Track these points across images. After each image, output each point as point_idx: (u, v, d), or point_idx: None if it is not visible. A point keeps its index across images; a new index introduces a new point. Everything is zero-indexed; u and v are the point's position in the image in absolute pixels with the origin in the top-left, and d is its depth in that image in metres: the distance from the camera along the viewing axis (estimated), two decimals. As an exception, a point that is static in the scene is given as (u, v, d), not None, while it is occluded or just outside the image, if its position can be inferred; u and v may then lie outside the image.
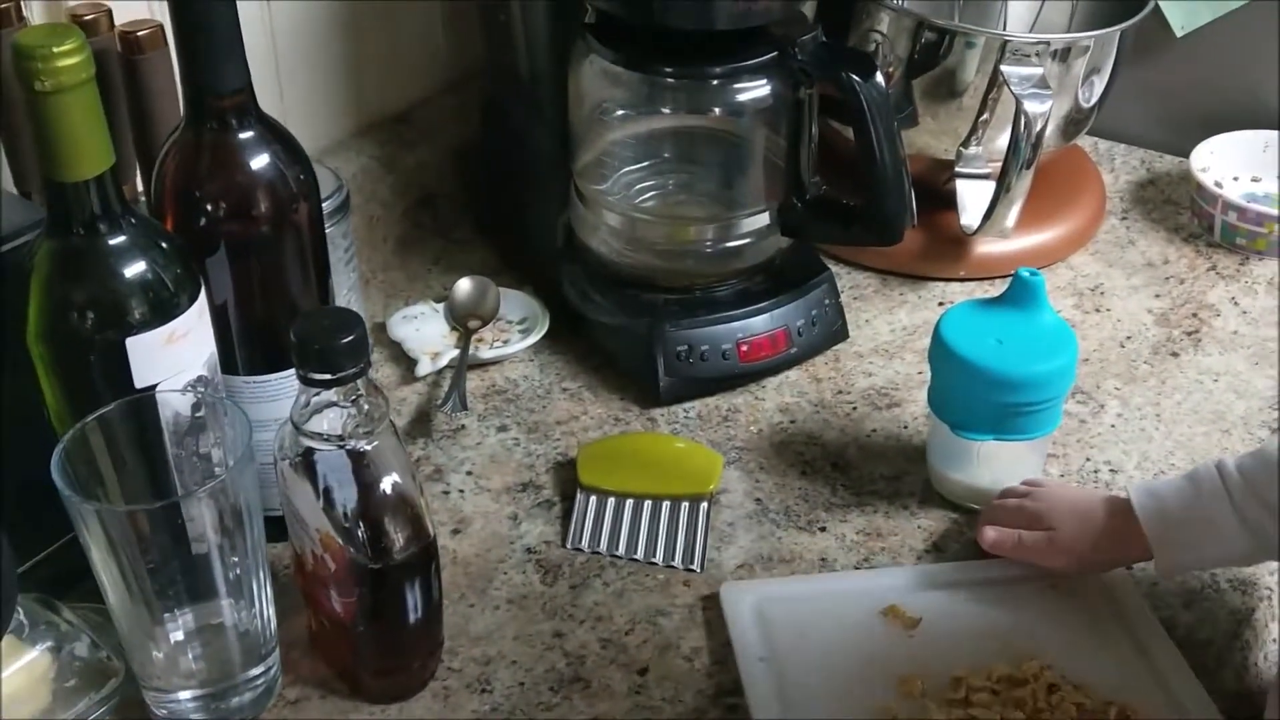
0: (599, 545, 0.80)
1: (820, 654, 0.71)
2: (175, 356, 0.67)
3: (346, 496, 0.66)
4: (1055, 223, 1.05)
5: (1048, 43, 0.96)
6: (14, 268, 0.65)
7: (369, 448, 0.65)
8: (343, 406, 0.64)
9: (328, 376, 0.63)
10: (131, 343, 0.65)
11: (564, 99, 0.92)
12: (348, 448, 0.65)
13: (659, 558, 0.79)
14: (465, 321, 0.97)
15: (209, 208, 0.70)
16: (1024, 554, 0.75)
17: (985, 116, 0.98)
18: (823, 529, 0.81)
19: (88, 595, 0.68)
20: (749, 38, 0.86)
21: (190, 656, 0.68)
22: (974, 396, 0.77)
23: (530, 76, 0.95)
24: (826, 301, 0.95)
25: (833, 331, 0.95)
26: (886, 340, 0.97)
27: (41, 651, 0.67)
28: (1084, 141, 1.14)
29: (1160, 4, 1.08)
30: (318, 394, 0.64)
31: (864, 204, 0.88)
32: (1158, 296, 1.01)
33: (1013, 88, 0.93)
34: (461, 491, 0.84)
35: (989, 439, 0.78)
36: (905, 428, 0.89)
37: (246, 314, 0.73)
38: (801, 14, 0.89)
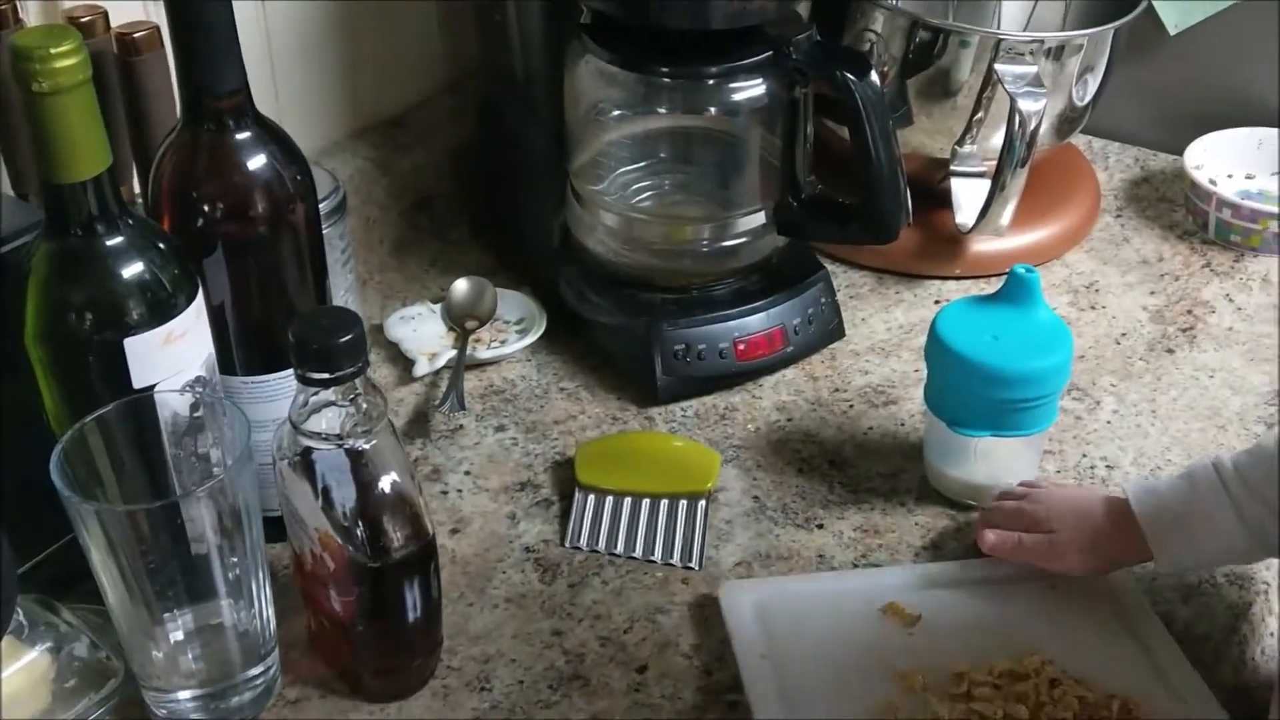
0: (597, 544, 0.80)
1: (820, 650, 0.71)
2: (173, 357, 0.67)
3: (345, 496, 0.66)
4: (1050, 221, 1.05)
5: (1041, 41, 0.96)
6: (12, 269, 0.65)
7: (367, 447, 0.65)
8: (341, 406, 0.65)
9: (326, 376, 0.63)
10: (129, 343, 0.65)
11: (560, 99, 0.92)
12: (346, 447, 0.65)
13: (657, 556, 0.79)
14: (462, 322, 0.97)
15: (206, 208, 0.70)
16: (1024, 556, 0.75)
17: (980, 115, 0.99)
18: (820, 526, 0.81)
19: (87, 596, 0.68)
20: (744, 37, 0.87)
21: (190, 656, 0.68)
22: (970, 393, 0.78)
23: (526, 77, 0.95)
24: (823, 300, 0.95)
25: (829, 330, 0.95)
26: (883, 338, 0.97)
27: (41, 652, 0.68)
28: (1078, 140, 1.14)
29: (1154, 3, 1.09)
30: (316, 393, 0.64)
31: (859, 203, 0.89)
32: (1153, 293, 1.02)
33: (1007, 86, 0.94)
34: (460, 491, 0.84)
35: (986, 435, 0.78)
36: (902, 425, 0.89)
37: (244, 314, 0.73)
38: (796, 13, 0.89)
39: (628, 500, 0.83)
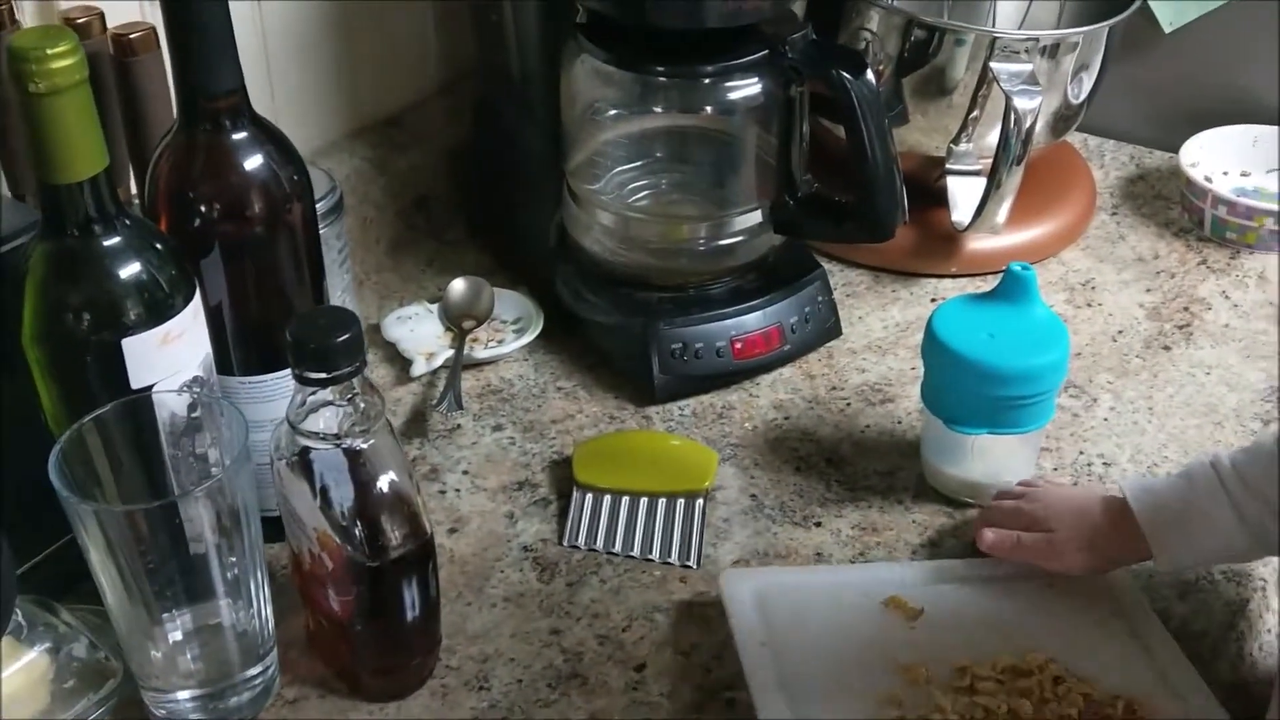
0: (595, 543, 0.80)
1: (821, 641, 0.71)
2: (171, 357, 0.67)
3: (343, 495, 0.66)
4: (1046, 219, 1.05)
5: (1037, 39, 0.97)
6: (9, 270, 0.65)
7: (365, 446, 0.65)
8: (339, 405, 0.65)
9: (324, 375, 0.63)
10: (127, 344, 0.65)
11: (556, 99, 0.92)
12: (344, 446, 0.65)
13: (655, 554, 0.79)
14: (460, 322, 0.97)
15: (203, 209, 0.70)
16: (1023, 555, 0.75)
17: (975, 113, 0.99)
18: (818, 524, 0.82)
19: (85, 597, 0.68)
20: (740, 36, 0.87)
21: (188, 656, 0.68)
22: (967, 391, 0.78)
23: (522, 77, 0.95)
24: (819, 299, 0.95)
25: (826, 328, 0.95)
26: (879, 337, 0.97)
27: (40, 652, 0.68)
28: (1074, 138, 1.15)
29: (1149, 1, 1.09)
30: (314, 393, 0.64)
31: (856, 201, 0.89)
32: (1149, 291, 1.02)
33: (1002, 84, 0.94)
34: (458, 491, 0.85)
35: (982, 433, 0.79)
36: (899, 423, 0.89)
37: (241, 315, 0.73)
38: (792, 12, 0.89)
39: (625, 499, 0.83)
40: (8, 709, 0.65)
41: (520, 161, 0.99)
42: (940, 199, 1.02)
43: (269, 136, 0.71)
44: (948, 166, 1.02)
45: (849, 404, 0.91)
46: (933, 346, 0.79)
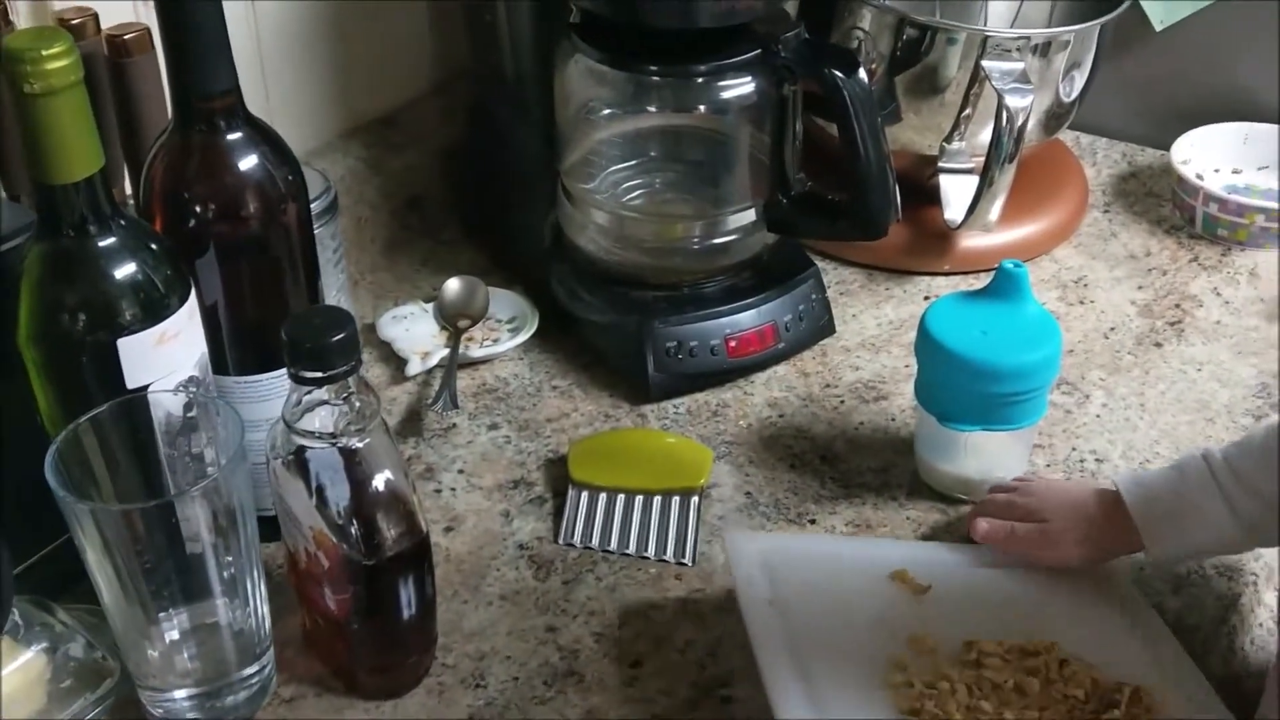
0: (591, 540, 0.80)
1: (828, 605, 0.71)
2: (166, 357, 0.67)
3: (339, 494, 0.66)
4: (1038, 216, 1.06)
5: (1028, 38, 0.97)
6: (5, 271, 0.66)
7: (361, 445, 0.66)
8: (334, 404, 0.65)
9: (319, 375, 0.63)
10: (123, 344, 0.65)
11: (550, 99, 0.92)
12: (340, 445, 0.65)
13: (650, 552, 0.80)
14: (455, 321, 0.97)
15: (198, 209, 0.70)
16: (1016, 545, 0.75)
17: (967, 112, 0.99)
18: (812, 521, 0.82)
19: (82, 597, 0.69)
20: (733, 35, 0.87)
21: (185, 656, 0.68)
22: (960, 388, 0.78)
23: (516, 77, 0.95)
24: (813, 297, 0.95)
25: (820, 326, 0.96)
26: (873, 334, 0.98)
27: (37, 652, 0.68)
28: (1066, 136, 1.15)
29: (1140, 0, 1.09)
30: (309, 392, 0.64)
31: (849, 199, 0.89)
32: (1141, 288, 1.02)
33: (994, 83, 0.94)
34: (453, 490, 0.85)
35: (976, 429, 0.79)
36: (893, 420, 0.90)
37: (237, 314, 0.73)
38: (784, 11, 0.90)
39: (621, 497, 0.83)
40: (5, 709, 0.65)
41: (515, 161, 0.99)
42: (933, 197, 1.02)
43: (263, 137, 0.71)
44: (940, 165, 1.02)
45: (843, 401, 0.91)
46: (926, 344, 0.80)
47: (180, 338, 0.67)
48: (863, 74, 0.85)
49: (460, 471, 0.86)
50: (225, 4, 0.67)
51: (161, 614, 0.67)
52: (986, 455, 0.81)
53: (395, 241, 1.06)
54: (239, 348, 0.74)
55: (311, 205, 0.77)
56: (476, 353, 0.94)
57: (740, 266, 0.95)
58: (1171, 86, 1.15)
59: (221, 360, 0.73)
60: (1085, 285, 1.03)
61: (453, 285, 0.99)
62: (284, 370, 0.65)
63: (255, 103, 0.72)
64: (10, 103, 0.63)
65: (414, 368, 0.93)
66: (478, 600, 0.77)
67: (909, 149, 1.02)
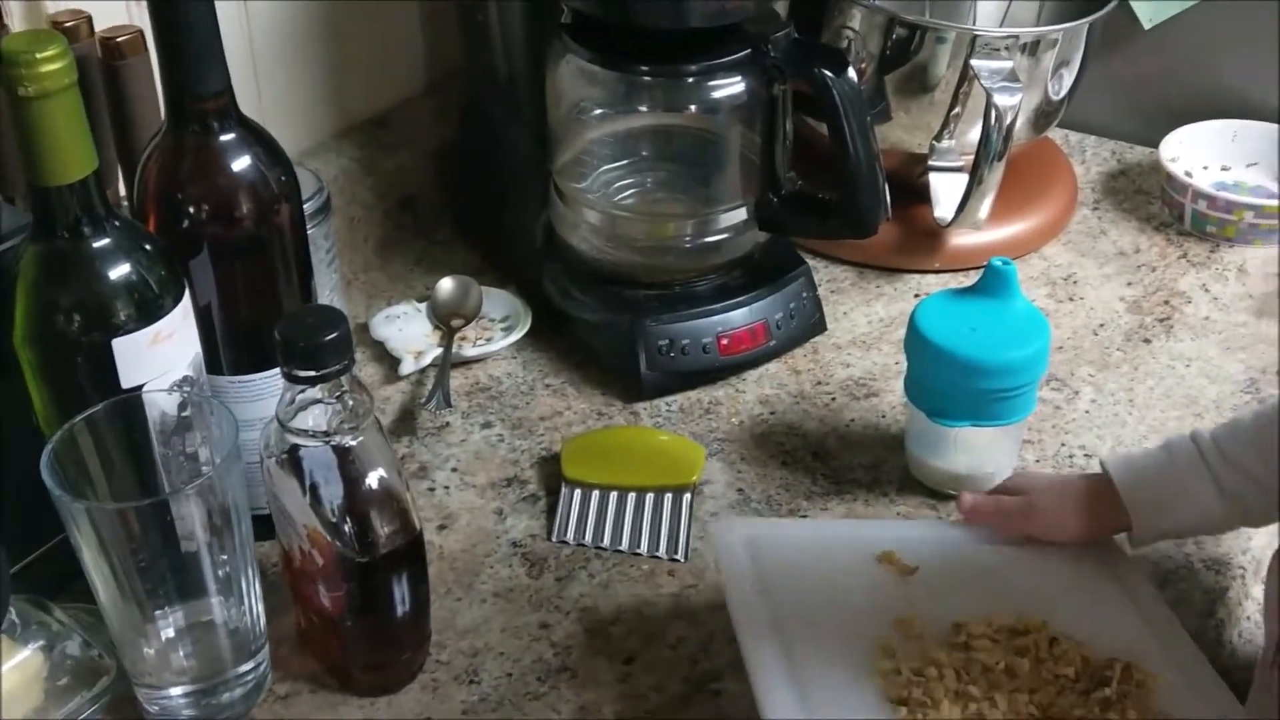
0: (584, 538, 0.81)
1: (814, 590, 0.70)
2: (161, 357, 0.67)
3: (333, 492, 0.67)
4: (1028, 214, 1.06)
5: (1017, 36, 0.98)
6: (0, 272, 0.66)
7: (354, 443, 0.66)
8: (328, 403, 0.65)
9: (312, 373, 0.64)
10: (117, 344, 0.66)
11: (542, 99, 0.93)
12: (333, 443, 0.66)
13: (643, 548, 0.80)
14: (448, 320, 0.97)
15: (191, 210, 0.71)
16: (1003, 520, 0.75)
17: (957, 110, 1.00)
18: (804, 517, 0.82)
19: (78, 596, 0.69)
20: (723, 35, 0.88)
21: (181, 653, 0.69)
22: (949, 384, 0.79)
23: (508, 77, 0.96)
24: (804, 295, 0.96)
25: (811, 324, 0.96)
26: (864, 332, 0.98)
27: (34, 650, 0.68)
28: (1055, 134, 1.16)
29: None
30: (303, 391, 0.65)
31: (839, 198, 0.90)
32: (1130, 285, 1.03)
33: (983, 81, 0.95)
34: (447, 488, 0.85)
35: (965, 425, 0.79)
36: (883, 417, 0.90)
37: (230, 315, 0.73)
38: (774, 11, 0.90)
39: (614, 494, 0.83)
40: (4, 706, 0.66)
41: (507, 161, 1.00)
42: (923, 195, 1.03)
43: (256, 138, 0.72)
44: (930, 163, 1.03)
45: (834, 398, 0.92)
46: (915, 340, 0.80)
47: (174, 338, 0.68)
48: (852, 73, 0.85)
49: (454, 470, 0.87)
50: (217, 4, 0.67)
51: (157, 612, 0.67)
52: (976, 451, 0.82)
53: (388, 241, 1.06)
54: (233, 348, 0.74)
55: (304, 205, 0.77)
56: (470, 352, 0.95)
57: (731, 265, 0.95)
58: (1160, 84, 1.16)
59: (215, 360, 0.74)
60: (1075, 282, 1.03)
61: (446, 285, 1.00)
62: (277, 370, 0.65)
63: (248, 103, 0.73)
64: (5, 105, 0.64)
65: (407, 367, 0.94)
66: (471, 597, 0.77)
67: (899, 148, 1.02)
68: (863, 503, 0.83)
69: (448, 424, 0.90)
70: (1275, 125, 1.11)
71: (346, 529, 0.67)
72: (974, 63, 0.96)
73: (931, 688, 0.65)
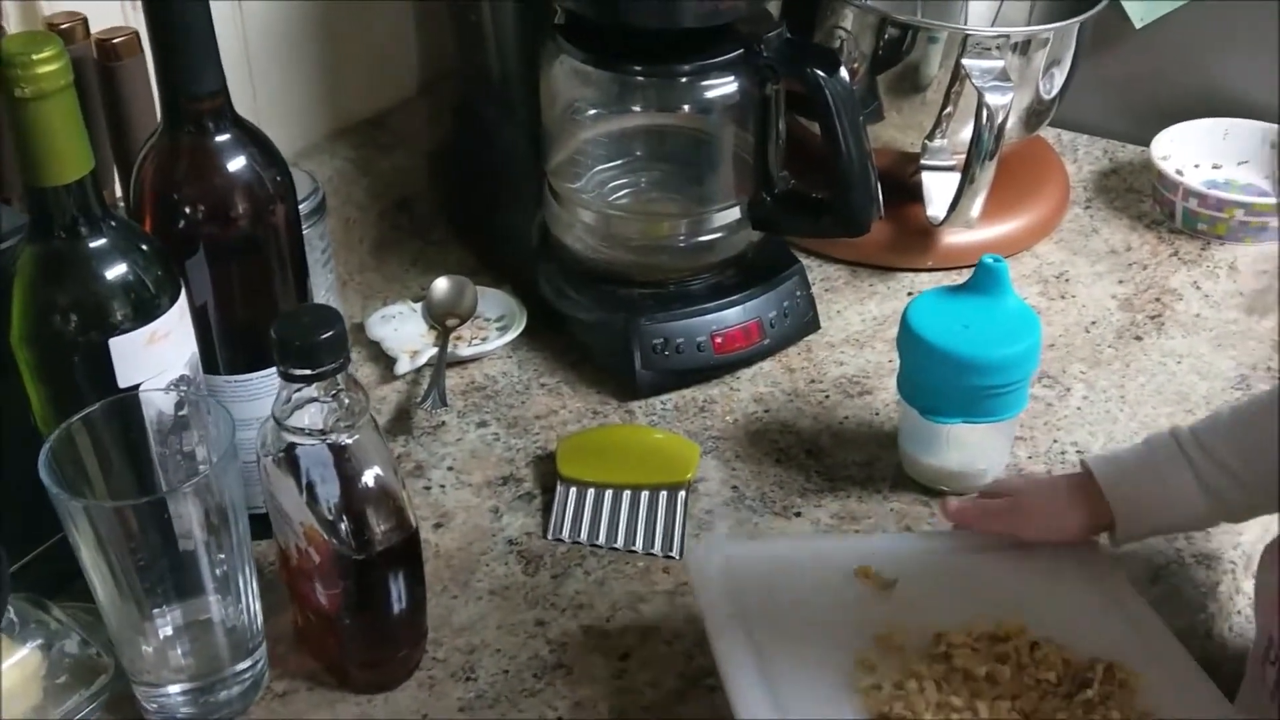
0: (579, 535, 0.81)
1: (792, 610, 0.70)
2: (157, 356, 0.68)
3: (329, 490, 0.67)
4: (1020, 213, 1.07)
5: (1008, 36, 0.98)
6: (-3, 272, 0.66)
7: (350, 441, 0.66)
8: (324, 401, 0.66)
9: (308, 372, 0.64)
10: (114, 343, 0.66)
11: (536, 99, 0.93)
12: (329, 441, 0.66)
13: (639, 546, 0.81)
14: (443, 320, 0.98)
15: (187, 210, 0.71)
16: (987, 521, 0.75)
17: (949, 109, 1.00)
18: (798, 514, 0.83)
19: (77, 595, 0.70)
20: (716, 35, 0.88)
21: (179, 651, 0.69)
22: (942, 381, 0.79)
23: (502, 77, 0.96)
24: (798, 293, 0.96)
25: (804, 323, 0.97)
26: (857, 330, 0.99)
27: (32, 649, 0.68)
28: (1047, 133, 1.16)
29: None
30: (299, 390, 0.65)
31: (832, 197, 0.90)
32: (1121, 282, 1.04)
33: (974, 81, 0.95)
34: (443, 487, 0.86)
35: (957, 422, 0.80)
36: (877, 414, 0.91)
37: (226, 314, 0.74)
38: (767, 11, 0.91)
39: (609, 492, 0.84)
40: (3, 704, 0.66)
41: (501, 161, 1.00)
42: (915, 194, 1.03)
43: (252, 138, 0.72)
44: (922, 162, 1.03)
45: (828, 396, 0.93)
46: (907, 338, 0.81)
47: (171, 337, 0.68)
48: (844, 73, 0.86)
49: (450, 469, 0.87)
50: (212, 5, 0.68)
51: (155, 610, 0.67)
52: (968, 447, 0.82)
53: (383, 242, 1.07)
54: (229, 347, 0.75)
55: (300, 206, 0.78)
56: (465, 351, 0.95)
57: (725, 264, 0.96)
58: (1151, 83, 1.17)
59: (212, 359, 0.74)
60: (1066, 280, 1.04)
61: (441, 285, 1.00)
62: (273, 369, 0.66)
63: (243, 104, 0.73)
64: (2, 107, 0.64)
65: (403, 367, 0.94)
66: (467, 595, 0.78)
67: (891, 147, 1.03)
68: (856, 499, 0.84)
69: (443, 423, 0.91)
70: (1265, 124, 1.11)
71: (343, 526, 0.67)
72: (965, 62, 0.96)
73: (913, 701, 0.64)
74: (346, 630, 0.70)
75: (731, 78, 0.89)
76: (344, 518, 0.67)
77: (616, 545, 0.81)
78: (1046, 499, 0.75)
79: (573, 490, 0.84)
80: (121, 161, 0.81)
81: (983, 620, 0.69)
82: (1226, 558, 0.80)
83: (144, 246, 0.68)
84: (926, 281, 1.03)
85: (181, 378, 0.69)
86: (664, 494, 0.84)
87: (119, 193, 0.81)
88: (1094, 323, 0.99)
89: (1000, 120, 0.94)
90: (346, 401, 0.66)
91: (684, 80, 0.90)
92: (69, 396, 0.67)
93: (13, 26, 0.79)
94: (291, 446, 0.66)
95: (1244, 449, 0.69)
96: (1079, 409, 0.91)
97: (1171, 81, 1.15)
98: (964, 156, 0.97)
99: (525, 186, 0.98)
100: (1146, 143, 1.12)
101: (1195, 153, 1.12)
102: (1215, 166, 1.12)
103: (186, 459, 0.70)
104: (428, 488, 0.85)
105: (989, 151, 0.95)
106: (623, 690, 0.72)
